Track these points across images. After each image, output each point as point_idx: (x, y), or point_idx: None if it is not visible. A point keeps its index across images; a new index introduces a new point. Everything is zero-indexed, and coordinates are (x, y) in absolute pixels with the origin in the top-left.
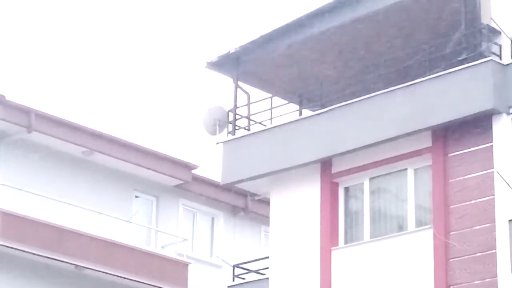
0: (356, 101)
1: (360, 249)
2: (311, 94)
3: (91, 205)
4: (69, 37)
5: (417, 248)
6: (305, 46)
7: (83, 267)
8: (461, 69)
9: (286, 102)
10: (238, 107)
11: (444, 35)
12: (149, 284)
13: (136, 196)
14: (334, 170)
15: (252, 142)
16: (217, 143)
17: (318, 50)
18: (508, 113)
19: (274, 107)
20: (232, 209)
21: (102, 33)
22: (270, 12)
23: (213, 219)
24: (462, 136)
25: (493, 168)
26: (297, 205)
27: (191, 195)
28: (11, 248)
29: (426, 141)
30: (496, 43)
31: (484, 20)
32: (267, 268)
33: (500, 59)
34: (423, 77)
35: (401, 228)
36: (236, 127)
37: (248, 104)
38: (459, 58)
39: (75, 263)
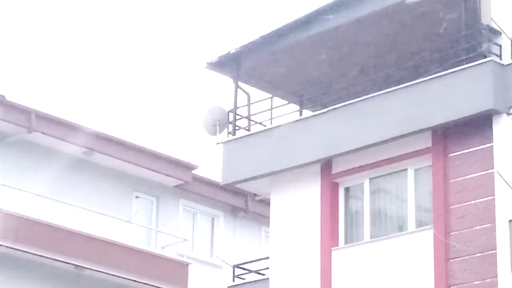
0: (356, 102)
1: (360, 249)
2: (312, 95)
3: (91, 205)
4: (69, 37)
5: (417, 249)
6: (305, 47)
7: (83, 267)
8: (461, 69)
9: (286, 102)
10: (238, 108)
11: (444, 35)
12: (149, 285)
13: (136, 197)
14: (334, 170)
15: (252, 142)
16: (217, 143)
17: (318, 50)
18: (508, 113)
19: (274, 108)
20: (232, 209)
21: (102, 33)
22: (271, 13)
23: (213, 219)
24: (462, 136)
25: (493, 168)
26: (297, 206)
27: (191, 196)
28: (11, 248)
29: (426, 142)
30: (496, 44)
31: (484, 21)
32: (267, 268)
33: (500, 59)
34: (423, 77)
35: (401, 228)
36: (236, 128)
37: (248, 105)
38: (459, 59)
39: (75, 263)
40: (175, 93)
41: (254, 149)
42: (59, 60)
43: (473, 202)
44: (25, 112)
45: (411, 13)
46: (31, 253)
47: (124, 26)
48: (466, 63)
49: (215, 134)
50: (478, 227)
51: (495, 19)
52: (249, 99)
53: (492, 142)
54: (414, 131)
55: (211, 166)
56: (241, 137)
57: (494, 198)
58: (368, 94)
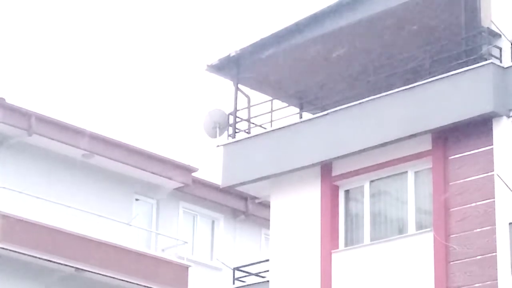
0: (356, 104)
1: (361, 252)
2: (312, 97)
3: (91, 208)
4: (69, 39)
5: (417, 251)
6: (305, 49)
7: (83, 270)
8: (461, 72)
9: (287, 105)
10: (239, 110)
11: (445, 38)
12: (149, 287)
13: (137, 199)
14: (335, 173)
15: (252, 145)
16: (218, 146)
17: (318, 53)
18: (508, 116)
19: (274, 110)
20: (232, 212)
21: (103, 36)
22: (271, 15)
23: (213, 222)
24: (463, 139)
25: (493, 171)
26: (297, 208)
27: (192, 198)
28: (11, 251)
29: (426, 144)
30: (496, 46)
31: (484, 23)
32: (267, 271)
33: (501, 62)
34: (424, 80)
35: (401, 231)
36: (237, 130)
37: (249, 107)
38: (459, 61)
39: (75, 266)
40: (175, 95)
41: (254, 151)
42: (59, 63)
43: (473, 204)
44: (25, 114)
45: (411, 16)
46: (31, 256)
47: (125, 29)
48: (466, 66)
49: (215, 137)
50: (478, 230)
51: (495, 21)
52: (249, 102)
53: (492, 144)
54: (414, 134)
55: (211, 169)
56: (241, 139)
57: (494, 201)
58: (368, 97)
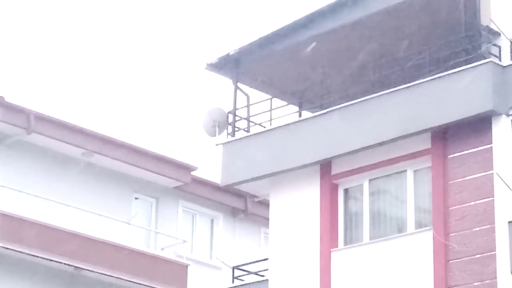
0: (355, 103)
1: (360, 250)
2: (311, 96)
3: (90, 206)
4: (69, 37)
5: (416, 250)
6: (304, 48)
7: (82, 268)
8: (460, 70)
9: (286, 103)
10: (238, 109)
11: (444, 36)
12: (148, 286)
13: (136, 198)
14: (334, 171)
15: (251, 143)
16: (217, 144)
17: (318, 51)
18: (508, 115)
19: (273, 109)
20: (232, 210)
21: (102, 34)
22: (270, 14)
23: (212, 220)
24: (462, 137)
25: (492, 169)
26: (296, 207)
27: (191, 197)
28: (11, 249)
29: (425, 143)
30: (495, 45)
31: (484, 22)
32: (266, 269)
33: (500, 60)
34: (423, 78)
35: (400, 229)
36: (236, 129)
37: (248, 106)
38: (458, 60)
39: (74, 264)
40: (175, 94)
41: (253, 150)
42: (58, 61)
43: (472, 203)
44: (24, 113)
45: (410, 14)
46: (30, 254)
47: (124, 28)
48: (466, 64)
49: (215, 135)
50: (477, 229)
51: (495, 20)
52: (248, 100)
53: (492, 143)
54: (413, 132)
55: (211, 168)
56: (241, 138)
57: (493, 200)
58: (367, 96)
